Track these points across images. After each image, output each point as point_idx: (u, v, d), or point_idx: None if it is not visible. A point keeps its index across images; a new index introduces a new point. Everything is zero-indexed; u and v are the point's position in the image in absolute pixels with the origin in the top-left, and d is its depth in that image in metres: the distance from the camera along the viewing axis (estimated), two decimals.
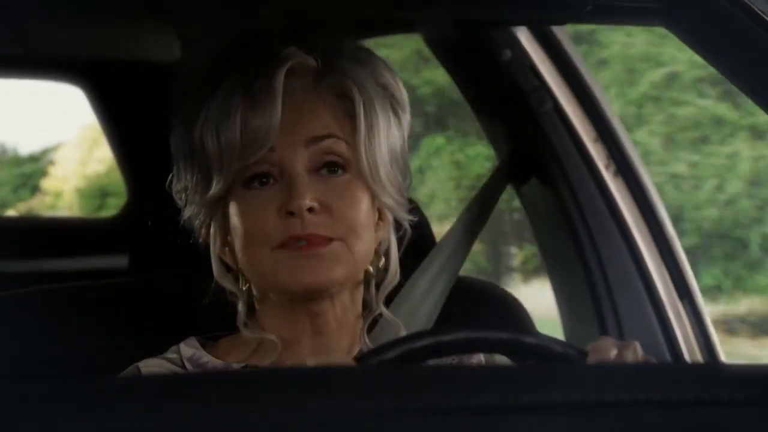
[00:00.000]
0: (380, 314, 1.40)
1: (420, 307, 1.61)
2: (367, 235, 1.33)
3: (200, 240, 1.38)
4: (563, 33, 1.99)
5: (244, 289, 1.36)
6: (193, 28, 2.26)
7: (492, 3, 1.46)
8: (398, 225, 1.39)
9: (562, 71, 1.97)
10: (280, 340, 1.35)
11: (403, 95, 1.37)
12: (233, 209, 1.32)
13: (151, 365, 1.36)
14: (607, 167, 1.98)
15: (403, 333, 1.40)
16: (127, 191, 3.06)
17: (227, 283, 1.36)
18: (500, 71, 1.96)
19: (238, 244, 1.32)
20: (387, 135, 1.33)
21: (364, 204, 1.32)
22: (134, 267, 2.52)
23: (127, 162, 3.02)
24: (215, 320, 1.40)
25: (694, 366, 1.49)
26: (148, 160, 2.90)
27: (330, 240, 1.29)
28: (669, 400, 0.81)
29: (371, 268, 1.37)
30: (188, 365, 1.36)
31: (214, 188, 1.32)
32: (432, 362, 1.24)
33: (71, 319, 1.51)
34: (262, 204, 1.30)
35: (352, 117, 1.33)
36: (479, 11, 1.61)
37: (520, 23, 1.92)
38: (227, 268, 1.37)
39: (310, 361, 1.18)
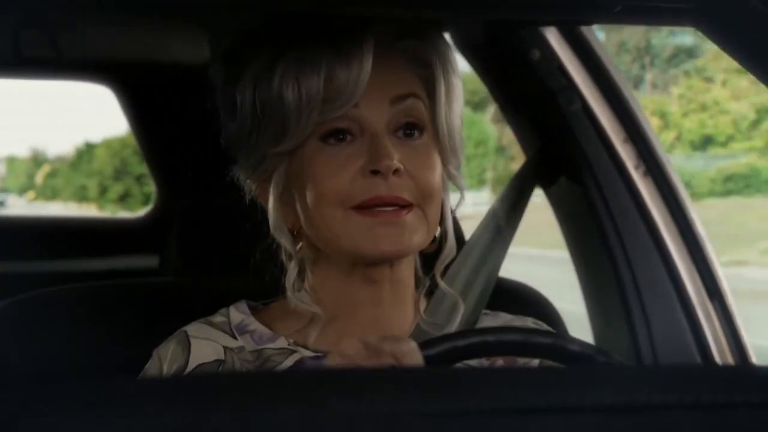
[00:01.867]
0: (435, 287, 1.39)
1: (458, 305, 1.59)
2: (438, 201, 1.31)
3: (251, 196, 1.35)
4: (592, 33, 1.99)
5: (297, 249, 1.33)
6: (223, 29, 2.27)
7: (521, 3, 1.46)
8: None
9: (591, 71, 1.97)
10: (332, 308, 1.33)
11: (456, 61, 1.37)
12: (307, 165, 1.29)
13: (200, 335, 1.34)
14: (636, 167, 1.97)
15: (461, 306, 1.39)
16: (156, 191, 3.07)
17: (283, 239, 1.33)
18: (529, 71, 1.95)
19: (308, 200, 1.29)
20: (459, 102, 1.33)
21: (438, 169, 1.31)
22: (164, 266, 2.54)
23: (157, 163, 3.04)
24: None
25: (726, 368, 1.48)
26: (177, 160, 2.94)
27: (410, 206, 1.27)
28: (701, 403, 0.81)
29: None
30: (235, 332, 1.35)
31: (288, 141, 1.29)
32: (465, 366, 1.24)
33: (102, 318, 1.52)
34: (342, 161, 1.27)
35: (426, 81, 1.32)
36: (508, 11, 1.61)
37: (549, 23, 1.92)
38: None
39: (350, 346, 1.15)
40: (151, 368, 1.34)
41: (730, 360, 1.93)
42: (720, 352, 1.94)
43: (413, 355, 1.14)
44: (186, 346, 1.33)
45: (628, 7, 1.40)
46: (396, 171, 1.25)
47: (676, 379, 0.87)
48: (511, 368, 1.35)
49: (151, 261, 2.78)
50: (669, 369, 1.08)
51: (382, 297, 1.32)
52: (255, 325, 1.36)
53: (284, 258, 1.35)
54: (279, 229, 1.33)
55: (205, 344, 1.33)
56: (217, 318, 1.37)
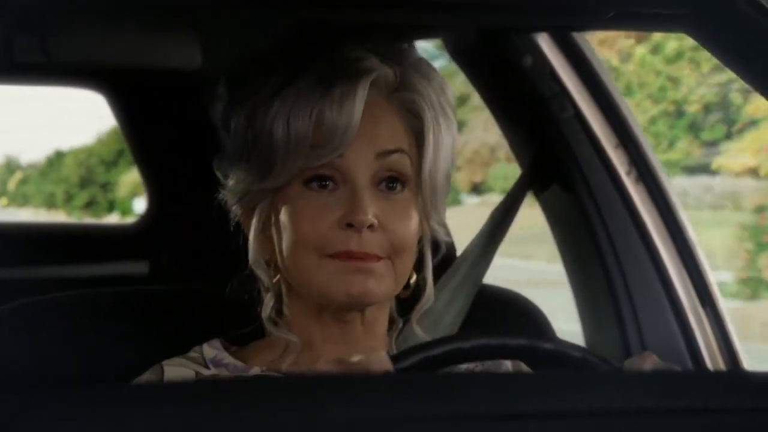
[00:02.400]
0: (404, 325, 1.40)
1: (443, 317, 1.60)
2: (412, 252, 1.33)
3: (237, 221, 1.36)
4: (584, 40, 1.99)
5: (274, 281, 1.34)
6: (215, 36, 2.27)
7: (513, 9, 1.46)
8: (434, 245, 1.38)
9: (583, 78, 1.97)
10: (305, 341, 1.34)
11: (454, 112, 1.36)
12: (288, 206, 1.30)
13: (174, 364, 1.35)
14: (628, 173, 1.98)
15: None
16: (148, 198, 3.07)
17: (261, 272, 1.34)
18: (521, 77, 1.96)
19: (284, 242, 1.30)
20: (447, 156, 1.33)
21: (415, 224, 1.32)
22: (154, 273, 2.53)
23: (149, 169, 3.04)
24: (238, 327, 1.41)
25: (718, 374, 1.49)
26: (169, 167, 2.93)
27: (380, 258, 1.28)
28: (693, 408, 0.81)
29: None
30: (210, 365, 1.36)
31: (272, 179, 1.30)
32: (457, 369, 1.24)
33: (92, 325, 1.51)
34: (321, 209, 1.29)
35: (416, 133, 1.32)
36: (501, 18, 1.61)
37: (542, 30, 1.92)
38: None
39: (325, 364, 1.16)
40: None
41: (721, 365, 1.94)
42: (711, 358, 1.95)
43: (382, 364, 1.14)
44: (159, 373, 1.34)
45: (620, 14, 1.40)
46: (370, 226, 1.27)
47: (668, 384, 0.87)
48: (505, 373, 1.35)
49: (141, 267, 2.77)
50: (661, 374, 1.08)
51: (354, 336, 1.34)
52: (229, 359, 1.37)
53: (262, 289, 1.36)
54: (257, 261, 1.35)
55: (178, 369, 1.34)
56: (192, 353, 1.38)
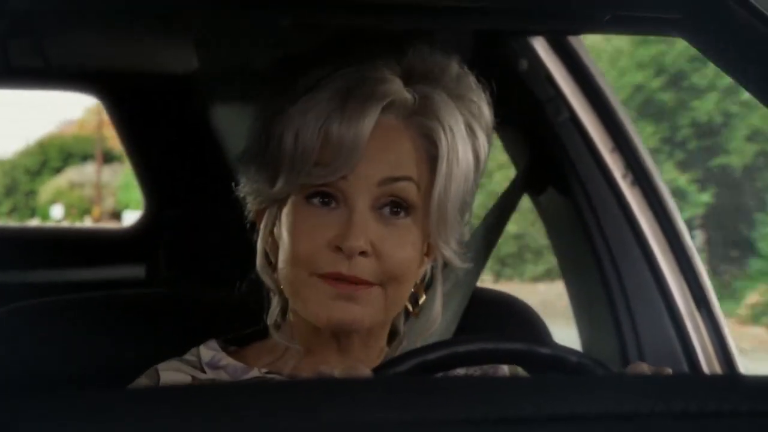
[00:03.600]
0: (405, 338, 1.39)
1: (435, 322, 1.59)
2: (410, 280, 1.31)
3: (250, 218, 1.35)
4: (580, 43, 1.99)
5: (281, 287, 1.33)
6: (211, 40, 2.27)
7: (509, 13, 1.46)
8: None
9: (579, 81, 1.97)
10: (306, 348, 1.34)
11: (487, 125, 1.33)
12: (287, 217, 1.29)
13: (169, 368, 1.35)
14: (624, 177, 1.98)
15: None
16: (144, 202, 3.07)
17: (266, 277, 1.33)
18: (517, 81, 1.96)
19: (280, 253, 1.30)
20: (462, 184, 1.30)
21: (417, 251, 1.30)
22: (151, 277, 2.53)
23: (145, 173, 3.04)
24: (235, 330, 1.41)
25: (714, 377, 1.49)
26: (165, 170, 2.93)
27: (370, 284, 1.27)
28: (688, 412, 0.81)
29: (410, 307, 1.35)
30: (207, 369, 1.35)
31: (277, 188, 1.29)
32: (456, 374, 1.24)
33: (88, 329, 1.51)
34: (317, 227, 1.27)
35: (432, 158, 1.29)
36: (497, 21, 1.61)
37: (538, 33, 1.92)
38: (268, 260, 1.34)
39: (327, 369, 1.16)
40: None
41: (717, 369, 1.94)
42: (707, 361, 1.95)
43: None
44: (155, 378, 1.34)
45: (616, 17, 1.41)
46: (362, 252, 1.25)
47: (664, 388, 0.87)
48: (500, 377, 1.35)
49: (138, 271, 2.77)
50: (656, 378, 1.08)
51: (352, 348, 1.33)
52: (227, 360, 1.36)
53: (270, 293, 1.36)
54: (263, 266, 1.34)
55: (173, 374, 1.34)
56: (188, 356, 1.37)
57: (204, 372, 1.35)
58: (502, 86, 2.01)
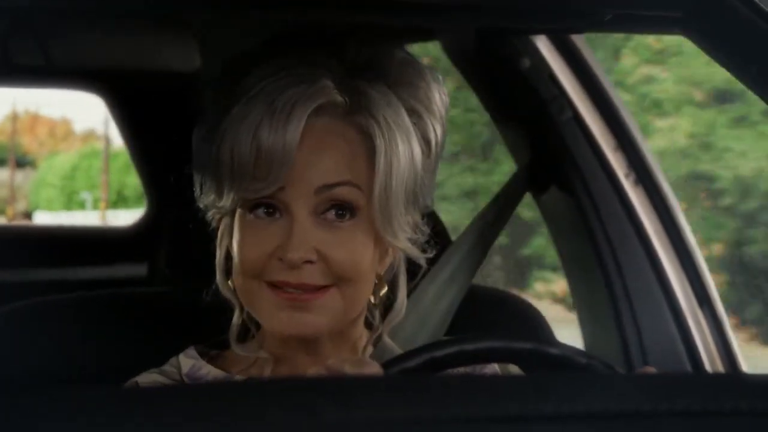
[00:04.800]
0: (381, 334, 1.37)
1: (431, 314, 1.58)
2: (366, 278, 1.29)
3: (211, 230, 1.35)
4: (582, 42, 1.99)
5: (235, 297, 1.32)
6: (214, 37, 2.27)
7: (512, 12, 1.46)
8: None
9: (582, 80, 1.97)
10: (277, 355, 1.32)
11: (440, 113, 1.31)
12: (236, 230, 1.28)
13: (149, 380, 1.33)
14: (627, 176, 1.98)
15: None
16: (146, 200, 3.06)
17: (227, 292, 1.32)
18: (519, 80, 1.96)
19: (234, 266, 1.29)
20: (407, 175, 1.27)
21: (368, 250, 1.28)
22: (153, 276, 2.53)
23: (147, 171, 3.03)
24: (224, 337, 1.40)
25: (716, 376, 1.48)
26: (168, 169, 2.93)
27: (322, 288, 1.25)
28: (691, 410, 0.81)
29: (372, 299, 1.32)
30: (186, 380, 1.34)
31: (223, 203, 1.28)
32: (449, 371, 1.23)
33: (89, 327, 1.51)
34: (262, 237, 1.26)
35: (372, 157, 1.26)
36: (499, 20, 1.61)
37: (540, 32, 1.92)
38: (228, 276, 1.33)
39: (337, 364, 1.15)
40: None
41: (720, 368, 1.94)
42: (710, 360, 1.94)
43: (373, 371, 1.13)
44: None
45: (618, 16, 1.41)
46: (308, 261, 1.24)
47: (666, 386, 0.86)
48: (502, 376, 1.35)
49: (140, 270, 2.77)
50: (659, 377, 1.07)
51: (324, 349, 1.32)
52: (207, 368, 1.35)
53: (232, 305, 1.34)
54: (222, 282, 1.33)
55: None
56: (167, 367, 1.36)
57: (184, 382, 1.34)
58: (505, 85, 2.02)
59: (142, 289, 1.69)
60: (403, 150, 1.27)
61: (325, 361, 1.26)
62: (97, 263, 2.89)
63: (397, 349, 1.38)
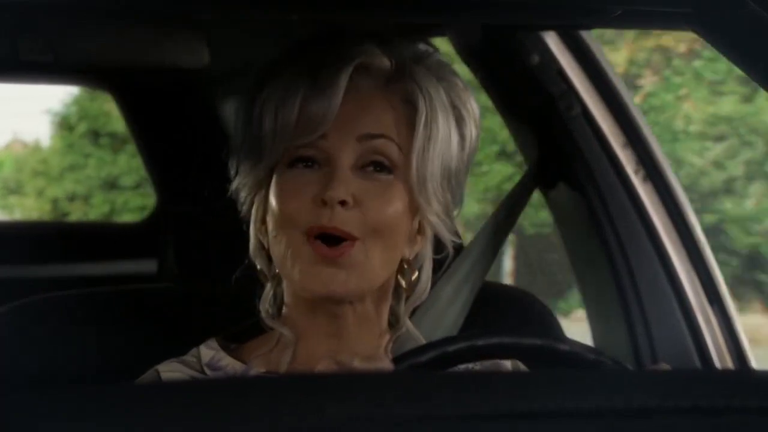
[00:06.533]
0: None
1: (445, 314, 1.60)
2: (393, 241, 1.31)
3: (243, 215, 1.37)
4: (591, 38, 1.99)
5: (276, 272, 1.35)
6: (223, 34, 2.27)
7: (521, 8, 1.46)
8: (440, 246, 1.37)
9: (591, 76, 1.97)
10: (300, 336, 1.34)
11: (475, 118, 1.36)
12: (273, 187, 1.32)
13: (170, 369, 1.35)
14: (636, 172, 1.97)
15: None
16: (155, 196, 3.07)
17: (260, 261, 1.35)
18: (528, 76, 1.95)
19: (272, 225, 1.32)
20: (444, 150, 1.32)
21: (399, 208, 1.31)
22: (163, 272, 2.53)
23: (156, 167, 3.04)
24: (246, 326, 1.40)
25: (725, 372, 1.48)
26: (176, 165, 2.93)
27: (352, 240, 1.28)
28: (699, 407, 0.81)
29: (403, 282, 1.36)
30: (206, 369, 1.35)
31: (262, 164, 1.32)
32: (455, 369, 1.23)
33: (98, 323, 1.51)
34: (301, 186, 1.30)
35: (413, 125, 1.32)
36: (508, 16, 1.61)
37: (549, 28, 1.92)
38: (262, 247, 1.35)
39: (347, 359, 1.16)
40: None
41: (729, 364, 1.93)
42: (719, 357, 1.94)
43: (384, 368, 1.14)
44: (156, 379, 1.34)
45: (627, 12, 1.40)
46: (343, 202, 1.28)
47: (676, 383, 0.86)
48: (510, 372, 1.34)
49: (149, 266, 2.77)
50: (668, 373, 1.07)
51: (347, 331, 1.33)
52: (227, 360, 1.36)
53: (262, 279, 1.36)
54: (255, 252, 1.36)
55: (173, 375, 1.34)
56: (188, 357, 1.37)
57: (204, 374, 1.35)
58: (514, 81, 2.02)
59: (151, 285, 1.69)
60: (443, 123, 1.32)
61: (345, 346, 1.31)
62: (106, 259, 2.90)
63: (421, 338, 1.39)
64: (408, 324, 1.38)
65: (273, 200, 1.32)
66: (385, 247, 1.31)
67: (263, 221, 1.35)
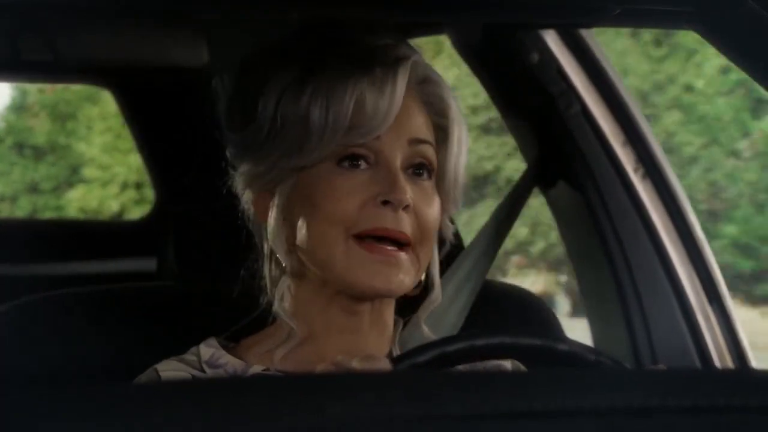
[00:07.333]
0: (405, 323, 1.39)
1: (447, 312, 1.60)
2: (432, 244, 1.33)
3: (245, 210, 1.35)
4: (591, 36, 1.99)
5: (295, 266, 1.32)
6: (222, 33, 2.27)
7: (520, 6, 1.46)
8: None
9: (590, 74, 1.97)
10: (308, 332, 1.33)
11: (465, 129, 1.38)
12: (318, 183, 1.29)
13: (169, 368, 1.34)
14: (635, 170, 1.97)
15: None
16: (155, 194, 3.07)
17: (281, 252, 1.32)
18: (528, 74, 1.95)
19: (312, 220, 1.29)
20: (465, 153, 1.35)
21: (438, 212, 1.32)
22: (162, 270, 2.53)
23: (156, 165, 3.04)
24: (244, 324, 1.41)
25: (725, 372, 1.48)
26: (176, 163, 2.93)
27: (408, 245, 1.28)
28: (699, 406, 0.81)
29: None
30: (206, 368, 1.34)
31: (306, 158, 1.29)
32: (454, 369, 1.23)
33: (102, 322, 1.51)
34: (354, 186, 1.28)
35: (436, 127, 1.33)
36: (508, 14, 1.61)
37: (549, 26, 1.92)
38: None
39: (345, 360, 1.16)
40: None
41: (729, 363, 1.93)
42: (719, 356, 1.94)
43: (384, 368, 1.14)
44: (154, 378, 1.34)
45: (627, 11, 1.40)
46: (405, 207, 1.27)
47: (675, 382, 0.86)
48: (509, 372, 1.35)
49: (149, 264, 2.77)
50: (668, 372, 1.07)
51: (361, 327, 1.33)
52: (226, 358, 1.35)
53: (274, 271, 1.34)
54: (278, 239, 1.32)
55: (173, 374, 1.33)
56: (188, 355, 1.36)
57: (203, 371, 1.34)
58: (513, 79, 2.02)
59: (148, 284, 1.69)
60: (464, 128, 1.35)
61: (358, 342, 1.31)
62: (106, 257, 2.90)
63: (431, 336, 1.39)
64: (425, 328, 1.38)
65: (320, 197, 1.28)
66: (429, 249, 1.32)
67: (285, 214, 1.31)
